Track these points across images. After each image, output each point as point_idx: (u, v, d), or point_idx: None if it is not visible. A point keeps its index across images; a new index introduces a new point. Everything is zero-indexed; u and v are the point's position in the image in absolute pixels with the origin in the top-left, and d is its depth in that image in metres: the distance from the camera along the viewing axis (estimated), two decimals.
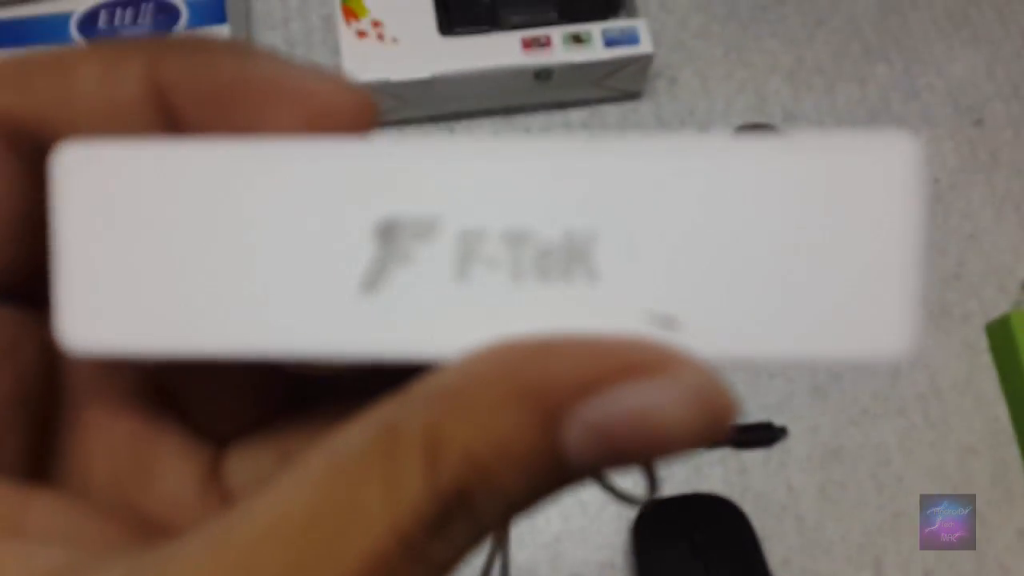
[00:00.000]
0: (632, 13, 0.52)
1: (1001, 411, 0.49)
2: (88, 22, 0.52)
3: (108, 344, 0.14)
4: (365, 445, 0.13)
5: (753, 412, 0.47)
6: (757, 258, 0.13)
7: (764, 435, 0.47)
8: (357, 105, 0.15)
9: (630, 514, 0.44)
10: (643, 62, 0.50)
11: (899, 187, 0.13)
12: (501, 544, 0.41)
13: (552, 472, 0.13)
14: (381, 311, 0.14)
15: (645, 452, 0.12)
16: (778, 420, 0.47)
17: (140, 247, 0.14)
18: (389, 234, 0.14)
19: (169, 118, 0.15)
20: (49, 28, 0.52)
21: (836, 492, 0.46)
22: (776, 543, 0.45)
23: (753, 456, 0.47)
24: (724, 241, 0.13)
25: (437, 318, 0.14)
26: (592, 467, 0.13)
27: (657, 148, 0.13)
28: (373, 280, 0.14)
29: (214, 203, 0.14)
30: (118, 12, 0.52)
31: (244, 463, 0.18)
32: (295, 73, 0.15)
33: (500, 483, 0.12)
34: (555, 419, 0.12)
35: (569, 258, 0.13)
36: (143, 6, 0.51)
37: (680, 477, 0.46)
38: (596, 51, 0.49)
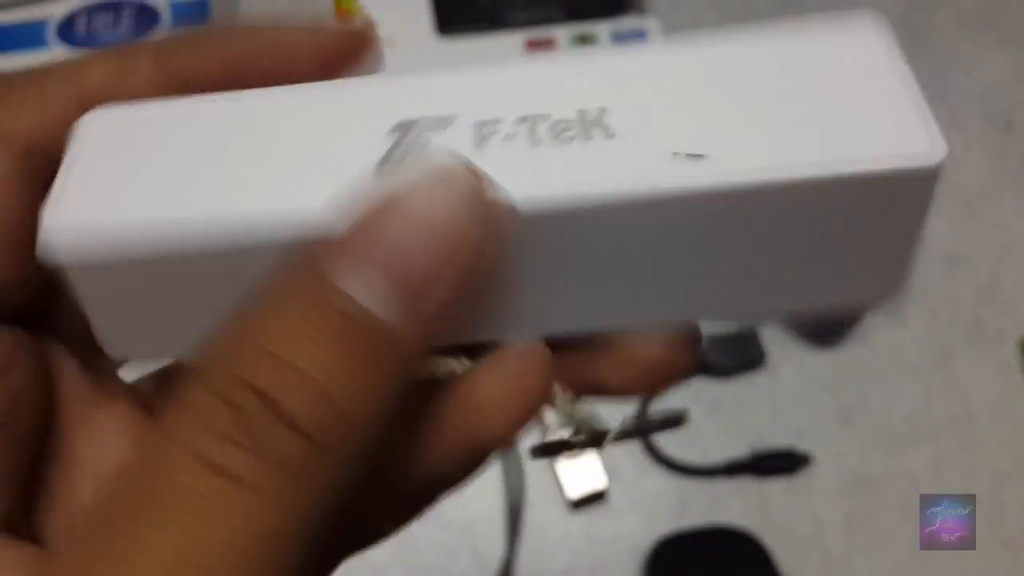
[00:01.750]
0: (642, 11, 0.51)
1: None
2: (66, 28, 0.51)
3: (93, 226, 0.14)
4: None
5: (774, 437, 0.46)
6: (768, 108, 0.14)
7: (786, 462, 0.46)
8: (352, 41, 0.16)
9: (642, 550, 0.43)
10: None
11: (882, 44, 0.15)
12: None
13: (372, 349, 0.12)
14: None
15: (450, 271, 0.12)
16: (801, 446, 0.46)
17: (153, 170, 0.14)
18: (406, 130, 0.14)
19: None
20: (26, 34, 0.52)
21: (864, 523, 0.45)
22: None
23: (774, 485, 0.45)
24: (731, 104, 0.14)
25: None
26: (417, 320, 0.12)
27: (653, 48, 0.15)
28: (390, 159, 0.14)
29: (229, 135, 0.14)
30: (96, 16, 0.51)
31: None
32: (288, 31, 0.16)
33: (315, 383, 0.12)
34: (330, 279, 0.12)
35: (584, 126, 0.14)
36: (122, 10, 0.50)
37: (696, 509, 0.45)
38: None
